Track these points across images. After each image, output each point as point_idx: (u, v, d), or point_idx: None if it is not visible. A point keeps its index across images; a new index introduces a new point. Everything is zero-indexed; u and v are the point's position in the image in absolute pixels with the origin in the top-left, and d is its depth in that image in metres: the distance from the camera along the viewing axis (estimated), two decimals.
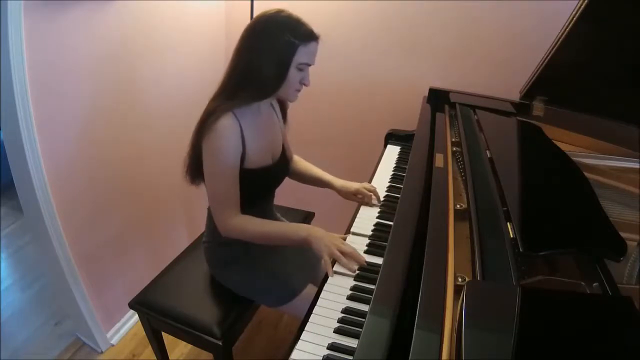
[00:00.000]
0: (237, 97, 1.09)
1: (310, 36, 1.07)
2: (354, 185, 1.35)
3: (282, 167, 1.29)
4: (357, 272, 1.00)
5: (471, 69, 1.81)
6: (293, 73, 1.08)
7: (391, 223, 1.05)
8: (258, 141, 1.16)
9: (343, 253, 1.02)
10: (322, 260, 1.02)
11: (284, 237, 1.13)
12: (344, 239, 1.10)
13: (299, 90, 1.15)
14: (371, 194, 1.32)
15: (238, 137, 1.09)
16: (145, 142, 1.73)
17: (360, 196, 1.33)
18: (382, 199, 1.33)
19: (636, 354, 0.57)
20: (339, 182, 1.40)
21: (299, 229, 1.12)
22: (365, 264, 1.02)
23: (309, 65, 1.11)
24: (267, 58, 1.05)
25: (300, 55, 1.07)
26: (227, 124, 1.06)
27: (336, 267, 1.01)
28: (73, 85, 1.36)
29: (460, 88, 1.73)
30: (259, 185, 1.22)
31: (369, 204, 1.32)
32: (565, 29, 1.27)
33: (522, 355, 0.55)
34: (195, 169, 1.17)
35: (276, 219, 1.43)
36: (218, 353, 1.23)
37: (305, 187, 1.50)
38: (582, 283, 0.80)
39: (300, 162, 1.47)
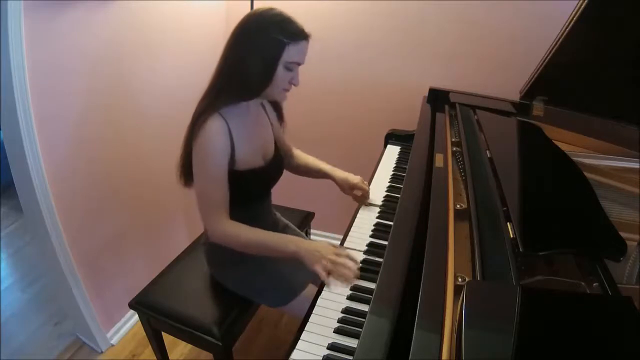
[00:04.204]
0: (223, 95, 1.08)
1: (300, 35, 1.05)
2: (353, 179, 1.35)
3: (274, 168, 1.27)
4: (354, 284, 0.96)
5: (471, 69, 1.81)
6: (281, 72, 1.06)
7: (391, 223, 1.05)
8: (248, 142, 1.15)
9: (335, 263, 0.97)
10: (315, 272, 0.98)
11: (273, 249, 1.09)
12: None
13: (287, 90, 1.12)
14: (366, 190, 1.33)
15: (227, 138, 1.08)
16: (145, 142, 1.73)
17: (356, 191, 1.34)
18: (382, 199, 1.34)
19: (636, 354, 0.57)
20: (338, 173, 1.40)
21: (288, 243, 1.08)
22: (359, 273, 0.97)
23: (299, 64, 1.09)
24: (254, 56, 1.04)
25: (289, 54, 1.05)
26: (214, 126, 1.05)
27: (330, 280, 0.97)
28: (73, 85, 1.36)
29: (460, 88, 1.73)
30: (252, 187, 1.21)
31: (365, 203, 1.33)
32: (565, 29, 1.27)
33: (522, 355, 0.55)
34: (188, 171, 1.17)
35: (275, 219, 1.43)
36: (218, 353, 1.23)
37: (304, 187, 1.50)
38: (582, 283, 0.80)
39: (300, 156, 1.47)
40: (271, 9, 1.07)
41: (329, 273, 0.96)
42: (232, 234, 1.11)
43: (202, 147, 1.06)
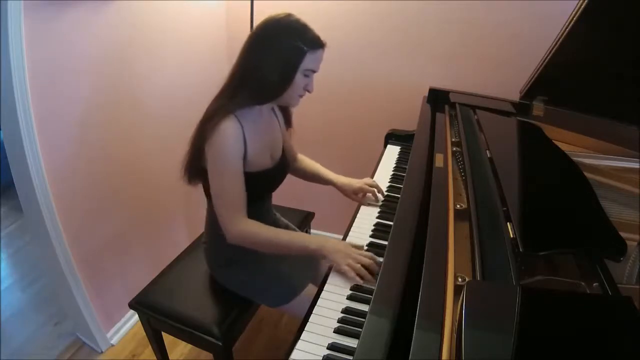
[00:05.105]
0: (238, 97, 1.08)
1: (317, 43, 1.07)
2: (356, 183, 1.35)
3: (281, 169, 1.28)
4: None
5: (471, 69, 1.81)
6: (299, 78, 1.08)
7: (391, 223, 1.05)
8: (258, 144, 1.16)
9: (360, 263, 1.00)
10: (343, 271, 1.00)
11: (293, 248, 1.11)
12: (359, 249, 1.07)
13: (301, 96, 1.14)
14: (374, 190, 1.33)
15: (240, 139, 1.09)
16: (145, 142, 1.73)
17: (361, 195, 1.34)
18: (382, 198, 1.34)
19: (636, 354, 0.57)
20: (341, 179, 1.40)
21: (310, 242, 1.09)
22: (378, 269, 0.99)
23: (314, 72, 1.11)
24: (274, 62, 1.05)
25: (308, 62, 1.07)
26: (229, 126, 1.06)
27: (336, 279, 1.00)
28: (73, 85, 1.36)
29: (460, 88, 1.73)
30: (258, 188, 1.21)
31: (371, 203, 1.32)
32: (565, 29, 1.27)
33: (522, 355, 0.55)
34: (193, 169, 1.17)
35: (275, 219, 1.43)
36: (218, 353, 1.23)
37: (304, 187, 1.50)
38: (582, 283, 0.80)
39: (304, 161, 1.47)
40: (289, 15, 1.08)
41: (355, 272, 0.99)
42: (251, 233, 1.11)
43: (218, 148, 1.06)
